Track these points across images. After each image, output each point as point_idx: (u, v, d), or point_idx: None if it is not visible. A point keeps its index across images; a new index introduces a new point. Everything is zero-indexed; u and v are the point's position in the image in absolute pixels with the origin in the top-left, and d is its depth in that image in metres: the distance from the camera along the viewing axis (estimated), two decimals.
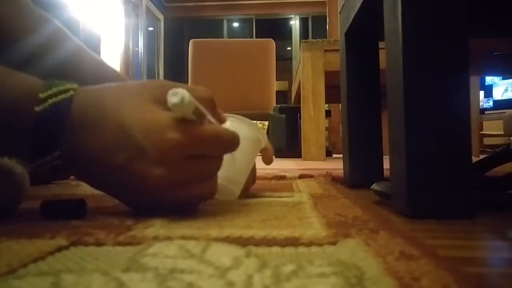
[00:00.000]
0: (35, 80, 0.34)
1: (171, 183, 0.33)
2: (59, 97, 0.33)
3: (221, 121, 0.41)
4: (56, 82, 0.34)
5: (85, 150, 0.33)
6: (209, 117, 0.36)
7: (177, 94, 0.32)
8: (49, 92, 0.33)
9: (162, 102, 0.34)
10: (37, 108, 0.32)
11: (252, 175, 0.53)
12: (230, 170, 0.43)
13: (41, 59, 0.50)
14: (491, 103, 4.97)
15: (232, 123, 0.45)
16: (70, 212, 0.36)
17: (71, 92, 0.34)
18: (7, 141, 0.34)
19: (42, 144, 0.33)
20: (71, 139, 0.33)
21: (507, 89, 4.74)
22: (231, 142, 0.36)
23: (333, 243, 0.26)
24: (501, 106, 4.72)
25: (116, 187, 0.35)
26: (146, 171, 0.33)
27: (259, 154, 0.53)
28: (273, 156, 0.56)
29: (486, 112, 4.59)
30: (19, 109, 0.33)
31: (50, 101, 0.33)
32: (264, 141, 0.51)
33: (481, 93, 4.55)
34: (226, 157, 0.38)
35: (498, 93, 4.85)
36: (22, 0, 0.53)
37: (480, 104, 3.94)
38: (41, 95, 0.33)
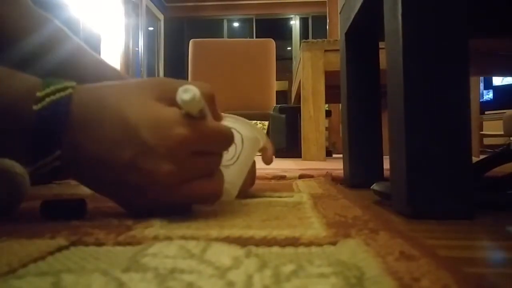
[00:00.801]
0: (34, 80, 0.34)
1: (177, 178, 0.33)
2: (57, 95, 0.33)
3: (219, 118, 0.41)
4: (54, 80, 0.34)
5: (88, 149, 0.33)
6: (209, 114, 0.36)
7: (189, 91, 0.32)
8: (47, 90, 0.33)
9: (164, 99, 0.34)
10: (35, 107, 0.32)
11: (251, 176, 0.52)
12: (227, 170, 0.43)
13: (41, 59, 0.50)
14: (490, 95, 4.98)
15: (229, 123, 0.45)
16: (70, 212, 0.36)
17: (70, 90, 0.34)
18: (7, 143, 0.33)
19: (42, 144, 0.33)
20: (72, 138, 0.33)
21: None
22: (229, 138, 0.37)
23: (333, 243, 0.26)
24: (501, 94, 4.73)
25: (118, 187, 0.34)
26: (153, 167, 0.32)
27: (259, 154, 0.53)
28: (273, 156, 0.55)
29: (486, 112, 4.59)
30: (18, 108, 0.32)
31: (48, 99, 0.32)
32: (263, 141, 0.50)
33: (481, 85, 4.55)
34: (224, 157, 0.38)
35: (498, 79, 4.86)
36: (22, 0, 0.53)
37: (480, 97, 3.91)
38: (39, 94, 0.33)
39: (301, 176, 0.83)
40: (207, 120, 0.35)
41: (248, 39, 6.05)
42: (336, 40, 1.93)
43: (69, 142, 0.33)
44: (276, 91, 4.01)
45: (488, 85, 5.03)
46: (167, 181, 0.33)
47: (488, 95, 5.02)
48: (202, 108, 0.34)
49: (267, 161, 0.54)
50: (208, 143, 0.35)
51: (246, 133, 0.46)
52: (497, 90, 4.95)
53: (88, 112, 0.33)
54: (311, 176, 0.83)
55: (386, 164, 0.51)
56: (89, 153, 0.33)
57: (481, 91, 4.54)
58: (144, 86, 0.36)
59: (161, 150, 0.33)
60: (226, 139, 0.36)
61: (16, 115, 0.32)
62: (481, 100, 4.04)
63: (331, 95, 2.05)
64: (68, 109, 0.33)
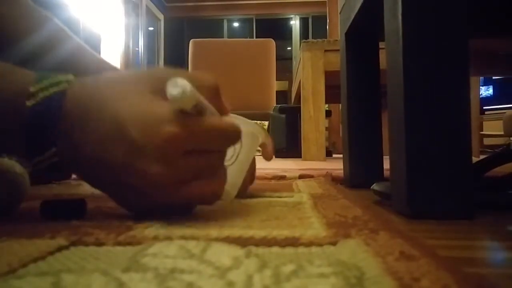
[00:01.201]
0: (30, 74, 0.33)
1: (170, 181, 0.32)
2: (50, 90, 0.32)
3: (225, 112, 0.37)
4: (48, 74, 0.33)
5: (82, 147, 0.32)
6: (211, 109, 0.34)
7: (178, 86, 0.29)
8: (40, 85, 0.32)
9: (161, 91, 0.31)
10: (28, 103, 0.31)
11: (251, 173, 0.52)
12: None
13: (42, 59, 0.50)
14: (490, 91, 4.94)
15: None
16: (70, 212, 0.35)
17: (64, 85, 0.32)
18: (7, 142, 0.33)
19: (36, 141, 0.32)
20: (67, 135, 0.32)
21: None
22: (233, 134, 0.34)
23: (333, 243, 0.26)
24: (502, 90, 4.69)
25: (118, 187, 0.33)
26: (144, 168, 0.31)
27: (259, 154, 0.53)
28: (273, 153, 0.54)
29: (486, 112, 4.58)
30: (14, 104, 0.32)
31: (41, 94, 0.31)
32: (262, 137, 0.49)
33: (481, 80, 4.50)
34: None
35: None
36: (22, 0, 0.53)
37: (480, 93, 3.87)
38: (32, 89, 0.32)
39: (301, 176, 0.83)
40: (204, 116, 0.32)
41: (248, 39, 6.05)
42: (336, 40, 1.93)
43: (63, 138, 0.32)
44: (276, 91, 4.01)
45: (488, 80, 4.96)
46: (158, 182, 0.31)
47: (488, 91, 4.99)
48: (197, 103, 0.31)
49: (267, 157, 0.53)
50: (204, 141, 0.33)
51: (244, 131, 0.46)
52: (498, 85, 4.89)
53: (81, 108, 0.32)
54: (311, 176, 0.83)
55: (386, 164, 0.51)
56: (83, 151, 0.32)
57: (480, 80, 4.47)
58: (141, 77, 0.34)
59: (149, 150, 0.31)
60: (229, 135, 0.34)
61: (12, 111, 0.32)
62: (480, 96, 4.00)
63: (331, 95, 2.05)
64: (61, 104, 0.32)
